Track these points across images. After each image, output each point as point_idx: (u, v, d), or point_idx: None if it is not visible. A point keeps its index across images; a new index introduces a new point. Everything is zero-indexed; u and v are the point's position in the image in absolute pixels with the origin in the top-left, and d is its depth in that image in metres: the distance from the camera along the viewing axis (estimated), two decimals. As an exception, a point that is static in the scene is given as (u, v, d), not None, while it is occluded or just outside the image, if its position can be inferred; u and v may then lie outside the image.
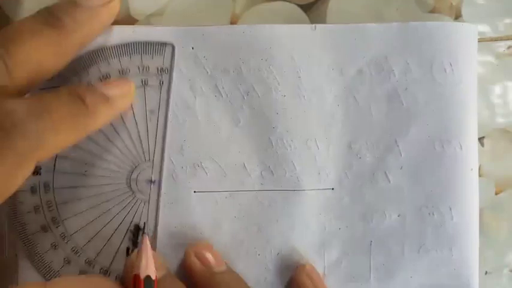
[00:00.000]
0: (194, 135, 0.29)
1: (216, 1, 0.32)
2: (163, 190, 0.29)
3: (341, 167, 0.30)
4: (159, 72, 0.29)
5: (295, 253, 0.30)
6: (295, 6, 0.32)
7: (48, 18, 0.26)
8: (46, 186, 0.29)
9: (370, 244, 0.30)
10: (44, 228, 0.29)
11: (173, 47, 0.29)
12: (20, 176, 0.24)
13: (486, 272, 0.33)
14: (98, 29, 0.28)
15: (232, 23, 0.32)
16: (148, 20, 0.31)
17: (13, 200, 0.29)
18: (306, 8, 0.32)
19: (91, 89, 0.26)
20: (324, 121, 0.30)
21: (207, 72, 0.29)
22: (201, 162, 0.29)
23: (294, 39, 0.29)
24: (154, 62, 0.29)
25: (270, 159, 0.30)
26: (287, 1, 0.32)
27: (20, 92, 0.25)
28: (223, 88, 0.29)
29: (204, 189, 0.29)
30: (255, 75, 0.29)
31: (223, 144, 0.29)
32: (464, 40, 0.30)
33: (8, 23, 0.31)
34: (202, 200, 0.29)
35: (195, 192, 0.29)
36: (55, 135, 0.24)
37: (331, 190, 0.30)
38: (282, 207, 0.30)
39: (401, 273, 0.30)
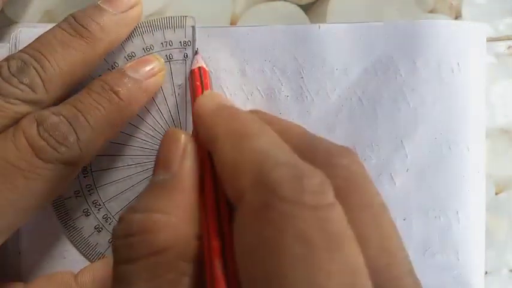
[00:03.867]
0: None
1: (216, 1, 0.32)
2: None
3: (345, 168, 0.29)
4: (182, 45, 0.29)
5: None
6: (295, 6, 0.32)
7: (77, 28, 0.26)
8: (84, 170, 0.29)
9: None
10: (86, 212, 0.29)
11: (193, 19, 0.29)
12: (67, 182, 0.25)
13: (486, 272, 0.33)
14: (124, 33, 0.28)
15: (232, 23, 0.32)
16: (149, 20, 0.31)
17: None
18: (306, 8, 0.32)
19: (122, 76, 0.26)
20: (328, 122, 0.29)
21: (211, 73, 0.29)
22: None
23: (298, 40, 0.29)
24: (176, 36, 0.29)
25: None
26: (287, 1, 0.32)
27: (54, 102, 0.26)
28: (227, 88, 0.29)
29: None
30: (259, 76, 0.29)
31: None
32: (472, 40, 0.29)
33: (10, 26, 0.31)
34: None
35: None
36: (95, 140, 0.25)
37: None
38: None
39: None
